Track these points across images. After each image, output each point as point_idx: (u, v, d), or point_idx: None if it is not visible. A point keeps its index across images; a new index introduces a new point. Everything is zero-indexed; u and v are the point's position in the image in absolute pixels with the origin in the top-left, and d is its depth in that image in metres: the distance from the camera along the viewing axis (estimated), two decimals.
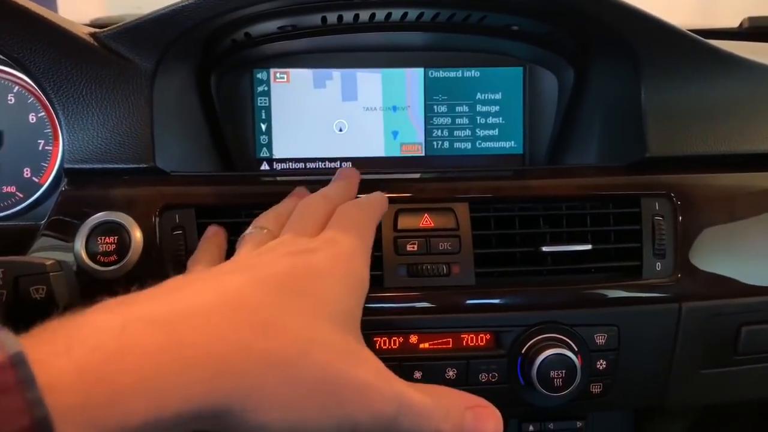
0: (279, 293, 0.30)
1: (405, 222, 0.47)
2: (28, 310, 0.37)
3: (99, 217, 0.44)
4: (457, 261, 0.46)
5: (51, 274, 0.37)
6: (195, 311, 0.27)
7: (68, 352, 0.22)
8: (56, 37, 0.46)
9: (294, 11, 0.54)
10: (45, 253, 0.45)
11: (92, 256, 0.43)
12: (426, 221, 0.47)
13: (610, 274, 0.48)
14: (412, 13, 0.56)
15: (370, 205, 0.42)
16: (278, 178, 0.50)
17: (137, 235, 0.44)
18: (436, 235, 0.46)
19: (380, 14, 0.56)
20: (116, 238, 0.44)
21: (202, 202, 0.46)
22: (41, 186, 0.53)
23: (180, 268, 0.44)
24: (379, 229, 0.46)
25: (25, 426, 0.20)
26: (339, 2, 0.52)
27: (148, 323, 0.25)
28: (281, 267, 0.32)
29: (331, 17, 0.55)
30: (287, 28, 0.57)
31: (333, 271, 0.33)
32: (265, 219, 0.41)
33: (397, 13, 0.56)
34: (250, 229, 0.40)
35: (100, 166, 0.47)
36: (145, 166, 0.47)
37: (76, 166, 0.47)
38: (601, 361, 0.46)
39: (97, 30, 0.48)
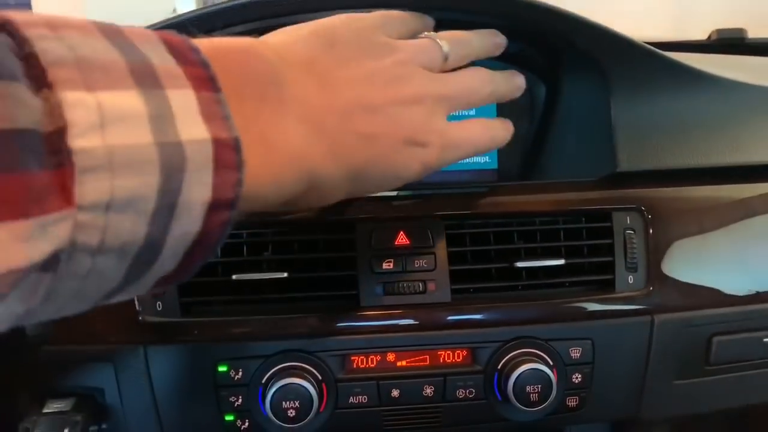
0: (387, 146, 0.35)
1: (380, 240, 0.47)
2: None
3: None
4: (432, 278, 0.46)
5: None
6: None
7: (260, 156, 0.28)
8: None
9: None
10: None
11: None
12: (401, 239, 0.47)
13: (584, 288, 0.49)
14: None
15: (496, 141, 0.43)
16: None
17: None
18: (412, 252, 0.47)
19: None
20: None
21: None
22: None
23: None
24: (354, 248, 0.46)
25: (228, 198, 0.25)
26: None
27: (304, 130, 0.31)
28: (403, 129, 0.35)
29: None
30: None
31: (412, 164, 0.36)
32: (456, 47, 0.40)
33: None
34: (440, 41, 0.40)
35: None
36: None
37: None
38: (577, 374, 0.47)
39: None
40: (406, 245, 0.47)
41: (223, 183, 0.24)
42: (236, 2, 0.47)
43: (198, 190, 0.24)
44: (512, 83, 0.45)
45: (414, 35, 0.41)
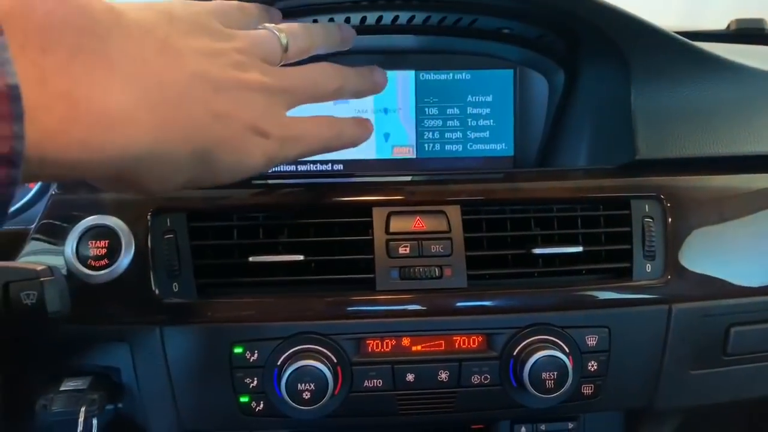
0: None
1: (397, 224, 0.47)
2: (19, 315, 0.37)
3: (90, 220, 0.44)
4: (449, 263, 0.46)
5: (42, 279, 0.37)
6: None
7: (63, 113, 0.25)
8: None
9: (286, 14, 0.53)
10: (35, 257, 0.44)
11: (83, 260, 0.43)
12: (418, 224, 0.47)
13: (601, 276, 0.48)
14: (403, 17, 0.56)
15: (344, 140, 0.43)
16: (270, 182, 0.50)
17: (128, 239, 0.44)
18: (428, 237, 0.46)
19: (371, 18, 0.56)
20: (107, 242, 0.44)
21: (194, 206, 0.46)
22: (30, 190, 0.52)
23: (172, 272, 0.44)
24: (370, 232, 0.46)
25: (3, 153, 0.22)
26: (330, 6, 0.52)
27: (136, 95, 0.29)
28: (247, 114, 0.34)
29: (323, 20, 0.55)
30: None
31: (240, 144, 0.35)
32: (296, 40, 0.40)
33: (388, 17, 0.56)
34: (279, 33, 0.39)
35: None
36: None
37: None
38: (593, 362, 0.46)
39: None
40: (423, 230, 0.47)
41: None
42: None
43: None
44: (368, 80, 0.45)
45: (254, 26, 0.39)
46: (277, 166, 0.38)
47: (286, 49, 0.39)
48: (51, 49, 0.25)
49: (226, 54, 0.34)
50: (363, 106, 0.63)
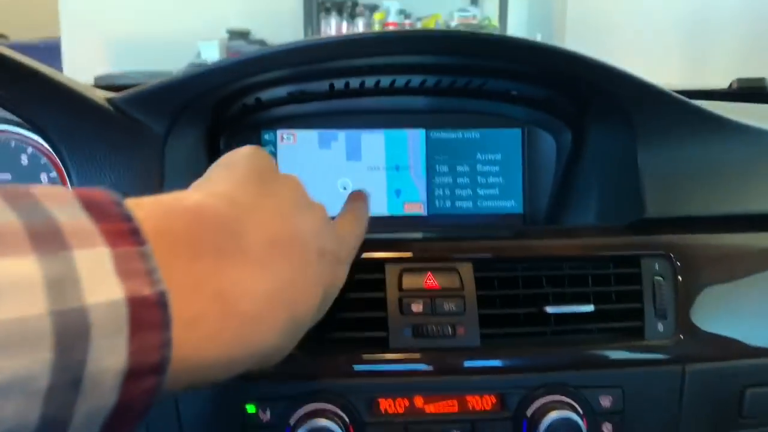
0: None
1: (409, 282, 0.47)
2: None
3: None
4: (462, 322, 0.46)
5: None
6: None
7: (217, 316, 0.26)
8: (75, 102, 0.48)
9: (304, 78, 0.56)
10: None
11: None
12: (430, 281, 0.47)
13: (613, 335, 0.48)
14: (416, 80, 0.58)
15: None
16: None
17: None
18: (441, 295, 0.47)
19: (385, 81, 0.58)
20: None
21: None
22: None
23: None
24: (383, 288, 0.47)
25: (151, 363, 0.22)
26: (347, 70, 0.54)
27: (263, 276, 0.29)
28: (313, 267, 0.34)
29: (339, 84, 0.57)
30: (296, 94, 0.59)
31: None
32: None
33: (401, 80, 0.58)
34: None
35: None
36: None
37: None
38: (607, 423, 0.46)
39: (113, 95, 0.50)
40: (436, 288, 0.47)
41: (143, 346, 0.22)
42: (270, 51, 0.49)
43: (109, 358, 0.21)
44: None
45: None
46: None
47: None
48: (199, 257, 0.26)
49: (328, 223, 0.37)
50: (375, 163, 0.65)
